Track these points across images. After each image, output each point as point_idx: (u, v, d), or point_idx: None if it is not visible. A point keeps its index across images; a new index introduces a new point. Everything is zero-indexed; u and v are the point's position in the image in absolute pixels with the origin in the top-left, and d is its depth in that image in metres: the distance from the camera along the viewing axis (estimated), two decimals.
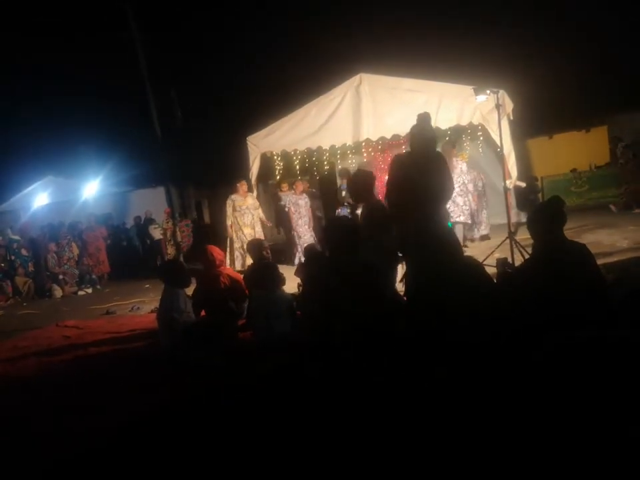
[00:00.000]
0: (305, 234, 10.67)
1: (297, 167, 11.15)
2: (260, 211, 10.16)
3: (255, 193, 10.35)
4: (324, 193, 12.60)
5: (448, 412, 2.94)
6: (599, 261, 4.41)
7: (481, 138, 10.77)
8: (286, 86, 16.42)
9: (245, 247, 8.99)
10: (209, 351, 4.92)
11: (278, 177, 11.27)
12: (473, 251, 8.77)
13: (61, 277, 12.39)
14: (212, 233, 15.15)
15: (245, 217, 9.94)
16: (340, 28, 18.58)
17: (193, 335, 5.05)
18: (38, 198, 18.90)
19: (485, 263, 6.02)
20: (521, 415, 2.75)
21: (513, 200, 9.80)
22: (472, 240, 10.10)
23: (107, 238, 14.22)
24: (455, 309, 3.61)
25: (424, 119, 5.05)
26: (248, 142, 10.11)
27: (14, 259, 12.48)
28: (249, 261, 8.36)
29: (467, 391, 3.10)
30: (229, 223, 10.03)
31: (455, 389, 3.14)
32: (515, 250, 6.78)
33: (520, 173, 9.66)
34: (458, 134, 10.69)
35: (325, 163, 12.41)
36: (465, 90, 8.46)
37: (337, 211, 10.62)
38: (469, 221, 9.49)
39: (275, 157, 10.61)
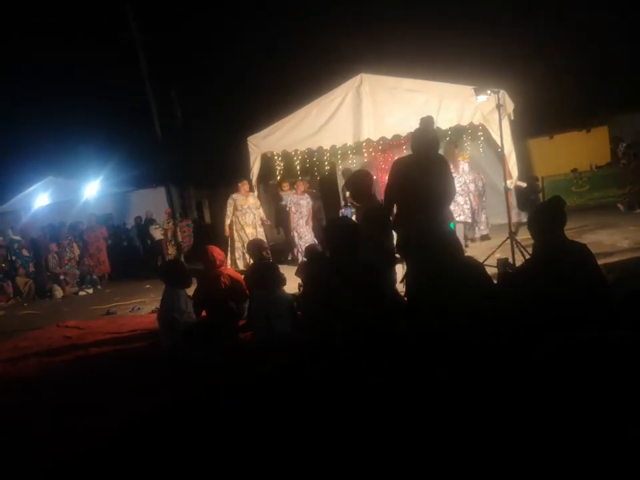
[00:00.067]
0: (306, 234, 10.69)
1: (298, 167, 11.15)
2: (261, 210, 10.17)
3: (255, 193, 10.36)
4: (324, 193, 12.61)
5: (449, 412, 2.94)
6: (600, 261, 4.41)
7: (482, 138, 10.77)
8: (286, 86, 16.44)
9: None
10: (209, 351, 4.92)
11: (278, 178, 11.28)
12: (473, 251, 8.77)
13: (61, 277, 12.39)
14: (212, 233, 15.16)
15: (247, 216, 9.95)
16: (340, 28, 18.59)
17: (194, 335, 5.05)
18: (39, 198, 18.92)
19: (485, 263, 6.03)
20: (522, 415, 2.75)
21: (513, 200, 9.80)
22: (472, 240, 10.11)
23: (107, 238, 14.23)
24: (455, 309, 3.60)
25: (427, 122, 5.05)
26: (248, 142, 10.11)
27: (15, 259, 12.49)
28: (252, 260, 8.38)
29: (468, 391, 3.10)
30: (228, 222, 10.03)
31: (456, 389, 3.13)
32: (516, 250, 6.78)
33: (521, 173, 9.66)
34: (458, 134, 10.69)
35: (326, 163, 12.43)
36: (466, 90, 8.46)
37: (340, 211, 10.64)
38: (469, 220, 9.49)
39: (276, 157, 10.62)
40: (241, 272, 7.42)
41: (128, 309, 8.78)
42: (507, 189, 8.00)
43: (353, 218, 6.53)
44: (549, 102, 15.34)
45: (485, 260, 6.65)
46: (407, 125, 9.44)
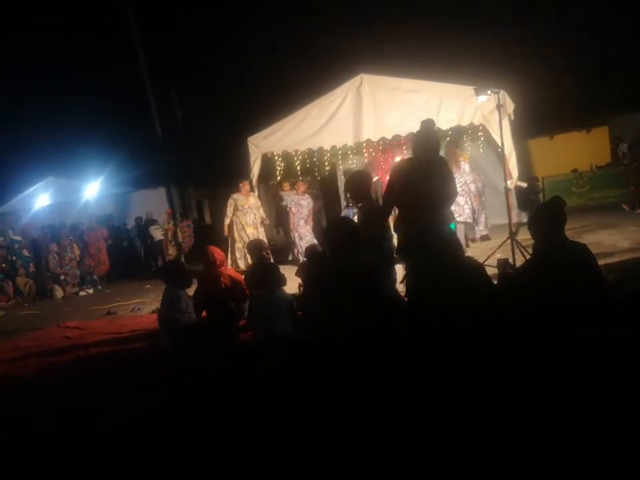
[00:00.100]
0: (307, 234, 10.70)
1: (298, 167, 11.15)
2: (261, 210, 10.16)
3: (255, 193, 10.37)
4: (325, 193, 12.61)
5: (449, 412, 2.94)
6: (600, 261, 4.41)
7: (482, 138, 10.76)
8: (287, 86, 16.44)
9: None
10: (209, 351, 4.93)
11: (279, 178, 11.28)
12: (474, 251, 8.77)
13: (62, 277, 12.39)
14: (213, 233, 15.16)
15: (248, 216, 9.95)
16: (340, 28, 18.59)
17: (194, 335, 5.05)
18: (39, 199, 18.91)
19: (486, 263, 6.03)
20: (522, 414, 2.75)
21: (514, 200, 9.80)
22: (473, 240, 10.10)
23: (107, 239, 14.24)
24: (455, 310, 3.61)
25: (427, 124, 5.04)
26: (249, 142, 10.11)
27: (15, 259, 12.50)
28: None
29: (468, 391, 3.10)
30: (227, 222, 10.01)
31: (456, 389, 3.14)
32: (516, 250, 6.78)
33: (521, 173, 9.66)
34: (459, 134, 10.69)
35: (326, 163, 12.43)
36: (466, 90, 8.46)
37: (343, 211, 10.64)
38: (470, 221, 9.49)
39: (276, 158, 10.62)
40: (242, 272, 7.42)
41: (128, 309, 8.78)
42: (507, 189, 8.00)
43: (355, 218, 6.53)
44: (549, 102, 15.35)
45: (485, 260, 6.66)
46: (407, 125, 9.44)
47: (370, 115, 9.57)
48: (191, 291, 5.87)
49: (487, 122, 9.25)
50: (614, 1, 17.03)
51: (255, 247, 6.49)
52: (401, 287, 5.20)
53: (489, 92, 7.27)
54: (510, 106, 9.00)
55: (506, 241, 7.11)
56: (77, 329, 7.50)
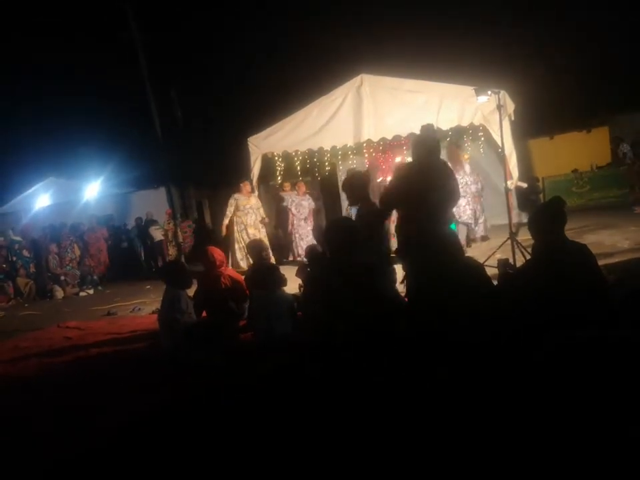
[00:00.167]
0: (307, 235, 10.71)
1: (298, 167, 11.16)
2: (262, 210, 10.16)
3: (256, 194, 10.36)
4: (325, 194, 12.61)
5: (449, 412, 2.94)
6: (600, 262, 4.41)
7: (482, 139, 10.77)
8: (287, 87, 16.44)
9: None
10: (209, 351, 4.93)
11: (279, 178, 11.28)
12: (474, 251, 8.77)
13: (62, 277, 12.40)
14: (213, 233, 15.15)
15: (249, 216, 9.93)
16: (341, 28, 18.59)
17: (194, 335, 5.05)
18: (39, 199, 18.91)
19: (486, 263, 6.02)
20: (522, 414, 2.75)
21: (514, 200, 9.80)
22: (473, 240, 10.11)
23: (108, 239, 14.24)
24: (455, 310, 3.61)
25: (427, 129, 5.05)
26: (249, 143, 10.11)
27: (15, 260, 12.50)
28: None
29: (468, 391, 3.10)
30: (226, 222, 9.97)
31: (456, 389, 3.14)
32: (517, 251, 6.78)
33: (521, 174, 9.66)
34: (459, 134, 10.70)
35: (326, 163, 12.43)
36: (466, 90, 8.46)
37: (347, 211, 10.63)
38: (471, 222, 9.50)
39: (276, 158, 10.62)
40: (244, 272, 7.41)
41: (128, 309, 8.78)
42: (507, 190, 8.00)
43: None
44: (549, 102, 15.34)
45: (486, 260, 6.65)
46: (408, 125, 9.45)
47: (370, 115, 9.57)
48: (191, 292, 5.87)
49: (487, 122, 9.25)
50: (614, 1, 17.03)
51: (254, 248, 6.50)
52: (401, 287, 5.20)
53: (489, 92, 7.27)
54: (510, 106, 9.00)
55: (506, 241, 7.12)
56: (77, 329, 7.50)
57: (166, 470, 2.97)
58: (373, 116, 9.58)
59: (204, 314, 5.97)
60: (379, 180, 10.22)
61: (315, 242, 10.25)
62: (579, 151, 15.52)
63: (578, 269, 3.57)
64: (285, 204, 11.15)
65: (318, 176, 13.01)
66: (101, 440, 3.47)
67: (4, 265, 12.35)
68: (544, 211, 3.91)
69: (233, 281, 6.05)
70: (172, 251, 12.90)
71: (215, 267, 6.02)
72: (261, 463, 2.84)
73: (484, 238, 10.27)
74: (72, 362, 5.67)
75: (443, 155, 7.09)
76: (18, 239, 13.08)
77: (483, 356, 3.33)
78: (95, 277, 13.03)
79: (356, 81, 9.64)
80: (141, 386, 4.50)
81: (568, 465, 2.38)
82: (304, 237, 10.68)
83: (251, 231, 9.86)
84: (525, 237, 6.93)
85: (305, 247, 9.40)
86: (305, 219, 10.85)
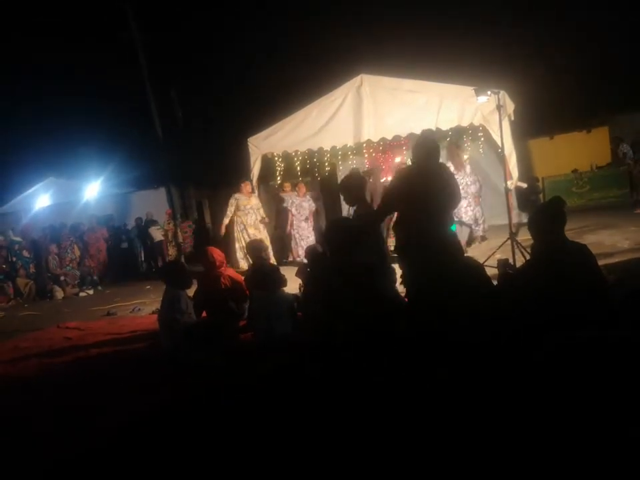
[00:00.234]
0: (309, 235, 10.70)
1: (298, 168, 11.16)
2: (261, 210, 10.15)
3: (256, 194, 10.36)
4: (325, 194, 12.61)
5: (449, 412, 2.94)
6: (600, 262, 4.41)
7: (482, 139, 10.76)
8: (287, 87, 16.44)
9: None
10: (209, 351, 4.93)
11: (279, 178, 11.28)
12: (474, 252, 8.75)
13: (62, 278, 12.39)
14: (213, 234, 15.16)
15: (249, 216, 9.91)
16: (341, 29, 18.59)
17: (194, 335, 5.05)
18: (39, 199, 18.90)
19: (486, 264, 6.02)
20: (522, 414, 2.75)
21: (514, 201, 9.79)
22: (474, 240, 10.09)
23: (108, 239, 14.23)
24: (455, 310, 3.61)
25: (427, 133, 5.06)
26: (249, 143, 10.11)
27: (15, 260, 12.50)
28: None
29: (468, 391, 3.10)
30: (226, 221, 9.94)
31: (456, 389, 3.14)
32: (517, 251, 6.78)
33: (521, 174, 9.66)
34: (459, 135, 10.69)
35: (326, 164, 12.43)
36: (466, 90, 8.46)
37: (348, 210, 10.61)
38: (472, 222, 9.49)
39: (276, 158, 10.63)
40: (244, 272, 7.41)
41: (128, 309, 8.77)
42: (507, 190, 7.99)
43: None
44: (549, 102, 15.34)
45: (486, 261, 6.65)
46: (408, 125, 9.46)
47: (370, 116, 9.57)
48: (191, 292, 5.87)
49: (487, 122, 9.25)
50: (614, 1, 17.03)
51: (254, 248, 6.50)
52: (400, 288, 5.20)
53: (489, 92, 7.27)
54: (510, 106, 9.00)
55: (506, 241, 7.11)
56: (77, 329, 7.50)
57: (166, 470, 2.97)
58: (372, 116, 9.58)
59: (204, 314, 5.97)
60: (382, 180, 10.21)
61: (315, 242, 10.25)
62: (578, 151, 15.52)
63: (578, 269, 3.57)
64: (285, 205, 11.14)
65: (318, 176, 13.02)
66: (100, 440, 3.47)
67: (4, 266, 12.34)
68: (544, 211, 3.91)
69: (233, 281, 6.05)
70: (172, 251, 12.90)
71: (215, 267, 6.02)
72: (261, 463, 2.84)
73: (482, 238, 10.27)
74: (72, 362, 5.67)
75: (443, 156, 7.09)
76: (18, 239, 13.08)
77: (483, 356, 3.33)
78: (95, 277, 13.03)
79: (356, 81, 9.64)
80: (141, 386, 4.50)
81: (568, 465, 2.38)
82: (304, 237, 10.68)
83: (251, 231, 9.85)
84: (525, 237, 6.93)
85: (305, 247, 9.40)
86: (306, 220, 10.85)
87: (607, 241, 8.20)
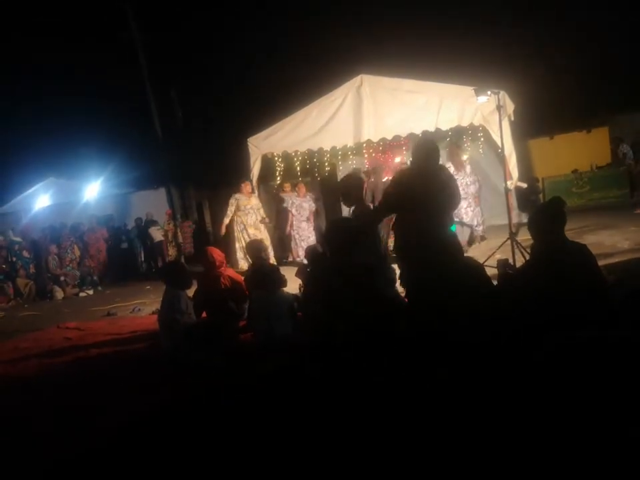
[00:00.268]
0: (309, 235, 10.70)
1: (298, 168, 11.16)
2: (262, 211, 10.14)
3: (256, 194, 10.36)
4: (325, 194, 12.61)
5: (449, 412, 2.94)
6: (600, 262, 4.41)
7: (482, 139, 10.76)
8: (287, 87, 16.42)
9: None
10: (209, 352, 4.93)
11: (279, 178, 11.28)
12: (474, 252, 8.75)
13: (62, 278, 12.39)
14: (213, 234, 15.15)
15: (249, 217, 9.90)
16: (341, 29, 18.57)
17: (194, 336, 5.05)
18: (39, 199, 18.89)
19: (486, 264, 6.02)
20: (522, 414, 2.75)
21: (514, 201, 9.79)
22: (474, 240, 10.09)
23: (108, 239, 14.23)
24: (455, 310, 3.61)
25: (426, 136, 5.08)
26: (249, 143, 10.11)
27: (15, 260, 12.50)
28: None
29: (468, 391, 3.10)
30: (226, 221, 9.93)
31: (456, 389, 3.14)
32: (516, 251, 6.78)
33: (521, 174, 9.66)
34: (459, 135, 10.69)
35: (326, 164, 12.42)
36: (466, 91, 8.46)
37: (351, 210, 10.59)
38: (473, 223, 9.49)
39: (276, 158, 10.63)
40: (244, 272, 7.41)
41: (128, 310, 8.77)
42: (507, 190, 8.00)
43: None
44: (549, 102, 15.33)
45: (486, 261, 6.65)
46: (408, 125, 9.46)
47: (370, 116, 9.57)
48: (191, 292, 5.87)
49: (487, 122, 9.25)
50: (614, 1, 17.03)
51: (253, 248, 6.49)
52: (400, 288, 5.20)
53: (489, 92, 7.27)
54: (510, 106, 9.00)
55: (506, 241, 7.11)
56: (77, 329, 7.50)
57: (166, 470, 2.97)
58: (372, 116, 9.58)
59: (204, 314, 5.97)
60: (384, 179, 10.21)
61: (315, 242, 10.24)
62: (578, 151, 15.50)
63: (578, 269, 3.57)
64: (285, 205, 11.14)
65: (318, 176, 13.02)
66: (101, 440, 3.47)
67: (4, 266, 12.35)
68: (544, 211, 3.92)
69: (233, 282, 6.05)
70: (172, 252, 12.90)
71: (215, 267, 6.02)
72: (261, 463, 2.84)
73: (482, 238, 10.27)
74: (72, 362, 5.67)
75: (443, 156, 7.09)
76: (18, 239, 13.09)
77: (483, 356, 3.33)
78: (95, 278, 13.03)
79: (356, 81, 9.64)
80: (141, 386, 4.51)
81: (568, 465, 2.38)
82: (305, 237, 10.67)
83: (251, 231, 9.84)
84: (525, 237, 6.93)
85: (305, 247, 9.40)
86: (306, 220, 10.84)
87: (606, 241, 8.20)
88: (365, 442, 2.82)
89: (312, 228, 10.92)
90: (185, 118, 19.68)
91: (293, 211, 10.82)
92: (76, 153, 20.20)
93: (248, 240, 9.32)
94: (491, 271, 5.18)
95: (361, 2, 19.42)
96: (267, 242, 9.66)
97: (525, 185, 10.05)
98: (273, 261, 9.29)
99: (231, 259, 9.56)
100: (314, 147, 10.08)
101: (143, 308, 8.66)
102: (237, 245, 9.94)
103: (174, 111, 19.03)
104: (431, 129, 9.46)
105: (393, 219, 5.27)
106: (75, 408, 4.20)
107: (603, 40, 16.62)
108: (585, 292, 3.49)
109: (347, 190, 5.36)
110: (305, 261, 6.99)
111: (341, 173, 12.14)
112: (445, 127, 9.46)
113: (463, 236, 8.77)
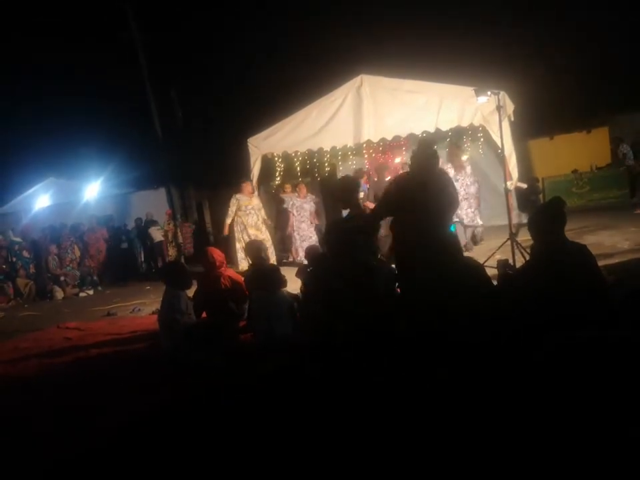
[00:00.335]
0: (310, 236, 10.69)
1: (298, 168, 11.16)
2: (262, 211, 10.14)
3: (256, 194, 10.35)
4: (325, 195, 12.61)
5: (449, 412, 2.94)
6: (600, 262, 4.41)
7: (482, 139, 10.76)
8: (287, 87, 16.42)
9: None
10: (209, 352, 4.93)
11: (279, 179, 11.28)
12: (474, 252, 8.76)
13: (62, 278, 12.39)
14: (213, 234, 15.16)
15: (250, 217, 9.90)
16: (341, 29, 18.56)
17: (194, 336, 5.05)
18: (39, 200, 18.88)
19: (486, 264, 6.02)
20: (522, 414, 2.75)
21: (514, 201, 9.79)
22: (474, 241, 10.09)
23: (108, 239, 14.23)
24: (455, 310, 3.61)
25: (425, 139, 5.08)
26: (249, 143, 10.10)
27: (15, 260, 12.50)
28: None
29: (468, 391, 3.10)
30: (229, 221, 9.94)
31: (456, 389, 3.14)
32: (516, 251, 6.78)
33: (521, 174, 9.65)
34: (459, 135, 10.69)
35: (326, 164, 12.42)
36: (466, 91, 8.45)
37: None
38: (474, 224, 9.49)
39: (276, 159, 10.62)
40: (245, 273, 7.41)
41: (128, 310, 8.77)
42: (507, 190, 8.00)
43: None
44: (549, 102, 15.33)
45: (486, 261, 6.65)
46: (408, 126, 9.46)
47: (370, 116, 9.57)
48: (191, 292, 5.87)
49: (486, 123, 9.25)
50: (614, 1, 17.02)
51: (253, 249, 6.49)
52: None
53: (489, 93, 7.27)
54: (510, 107, 9.00)
55: (506, 241, 7.11)
56: (77, 329, 7.50)
57: (166, 470, 2.98)
58: (372, 116, 9.57)
59: (204, 314, 5.97)
60: (387, 179, 10.21)
61: (316, 243, 10.24)
62: (578, 152, 15.52)
63: (578, 270, 3.57)
64: (285, 206, 11.13)
65: (318, 177, 13.02)
66: (101, 440, 3.47)
67: (4, 266, 12.34)
68: (544, 211, 3.92)
69: (233, 282, 6.04)
70: (172, 252, 12.90)
71: (215, 267, 6.02)
72: (261, 463, 2.84)
73: (480, 238, 10.26)
74: (72, 362, 5.67)
75: (443, 157, 7.09)
76: (18, 239, 13.08)
77: (483, 356, 3.33)
78: (95, 278, 13.03)
79: (356, 81, 9.64)
80: (141, 386, 4.51)
81: (568, 465, 2.38)
82: (306, 238, 10.66)
83: (251, 231, 9.84)
84: (525, 237, 6.92)
85: (305, 248, 9.40)
86: (306, 222, 10.83)
87: (606, 241, 8.20)
88: (365, 442, 2.82)
89: (312, 228, 10.92)
90: (185, 118, 19.68)
91: (294, 212, 10.82)
92: (76, 153, 20.20)
93: (248, 240, 9.33)
94: (491, 271, 5.18)
95: (360, 2, 19.41)
96: (269, 242, 9.66)
97: (524, 185, 10.05)
98: (273, 261, 9.29)
99: (231, 259, 9.57)
100: (314, 147, 10.07)
101: (142, 308, 8.66)
102: (238, 246, 9.93)
103: (174, 111, 19.03)
104: (431, 129, 9.46)
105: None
106: (74, 408, 4.20)
107: (603, 40, 16.61)
108: (584, 292, 3.49)
109: (344, 192, 5.35)
110: (305, 261, 6.98)
111: (341, 173, 12.14)
112: (444, 127, 9.46)
113: (461, 236, 8.77)
